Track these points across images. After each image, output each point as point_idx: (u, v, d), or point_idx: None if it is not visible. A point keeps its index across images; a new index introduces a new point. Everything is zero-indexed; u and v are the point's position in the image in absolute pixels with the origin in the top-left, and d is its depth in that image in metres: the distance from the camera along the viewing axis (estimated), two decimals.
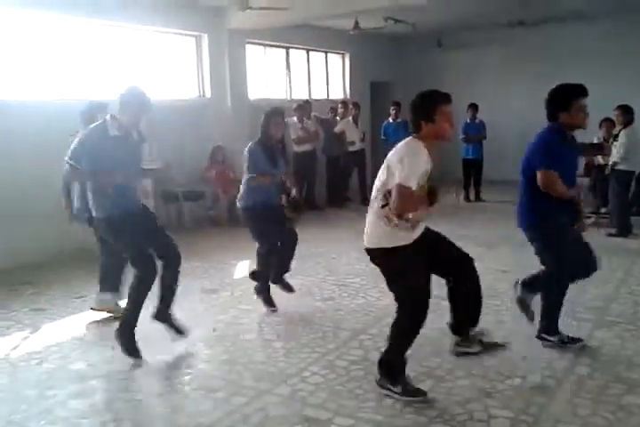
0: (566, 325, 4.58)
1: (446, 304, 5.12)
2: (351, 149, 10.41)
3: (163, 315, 4.33)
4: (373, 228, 3.44)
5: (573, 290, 5.38)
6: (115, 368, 4.00)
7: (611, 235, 7.58)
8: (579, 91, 3.87)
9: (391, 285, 3.49)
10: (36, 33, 7.00)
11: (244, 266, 6.67)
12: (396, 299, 3.49)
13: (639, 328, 4.52)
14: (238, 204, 5.01)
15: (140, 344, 4.17)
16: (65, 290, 5.80)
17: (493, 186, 11.20)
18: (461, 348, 3.94)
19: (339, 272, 6.25)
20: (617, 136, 7.59)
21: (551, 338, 4.16)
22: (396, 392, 3.43)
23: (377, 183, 3.41)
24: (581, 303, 5.09)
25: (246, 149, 4.90)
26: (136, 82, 5.39)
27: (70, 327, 4.82)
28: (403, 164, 3.19)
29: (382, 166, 3.38)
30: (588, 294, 5.33)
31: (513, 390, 3.57)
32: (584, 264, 4.01)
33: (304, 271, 6.26)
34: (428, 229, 3.69)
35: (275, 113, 4.83)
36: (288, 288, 5.23)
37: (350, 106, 10.59)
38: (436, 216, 9.57)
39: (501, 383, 3.65)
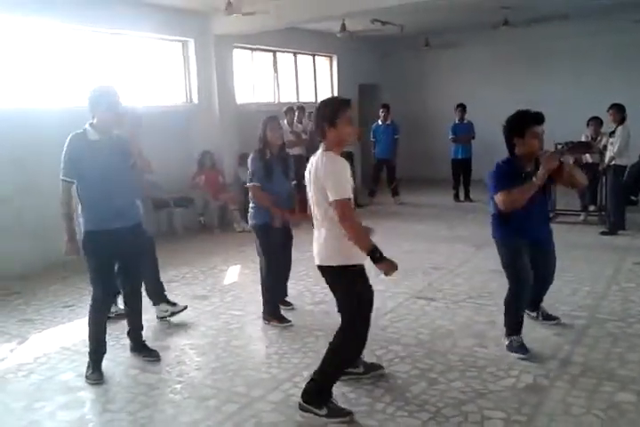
0: (559, 324, 4.58)
1: (435, 305, 5.15)
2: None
3: (136, 344, 4.31)
4: (328, 244, 3.36)
5: (565, 289, 5.42)
6: (104, 378, 3.95)
7: (603, 233, 7.61)
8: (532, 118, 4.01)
9: (342, 304, 3.45)
10: (22, 39, 6.94)
11: (235, 272, 6.63)
12: (343, 322, 3.43)
13: (630, 325, 4.52)
14: (250, 221, 4.96)
15: (130, 353, 4.15)
16: (53, 300, 5.75)
17: (482, 186, 11.18)
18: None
19: None
20: (612, 133, 7.71)
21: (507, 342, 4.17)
22: (321, 415, 3.29)
23: (313, 203, 3.39)
24: (573, 302, 5.09)
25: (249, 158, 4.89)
26: (103, 81, 5.29)
27: (59, 338, 4.76)
28: (331, 179, 3.21)
29: (308, 186, 3.40)
30: (580, 292, 5.34)
31: (506, 390, 3.56)
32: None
33: (295, 275, 6.20)
34: None
35: (270, 119, 4.81)
36: (287, 304, 5.23)
37: None
38: (427, 216, 9.66)
39: (494, 384, 3.64)
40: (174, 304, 5.07)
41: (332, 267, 3.35)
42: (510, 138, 4.05)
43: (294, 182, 5.05)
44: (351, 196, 3.29)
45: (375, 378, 3.77)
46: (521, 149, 3.96)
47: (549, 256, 4.34)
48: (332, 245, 3.34)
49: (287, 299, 5.29)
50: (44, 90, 7.19)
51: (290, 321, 4.85)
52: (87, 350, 4.03)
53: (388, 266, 3.29)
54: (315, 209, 3.40)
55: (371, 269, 3.40)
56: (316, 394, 3.34)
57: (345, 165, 3.28)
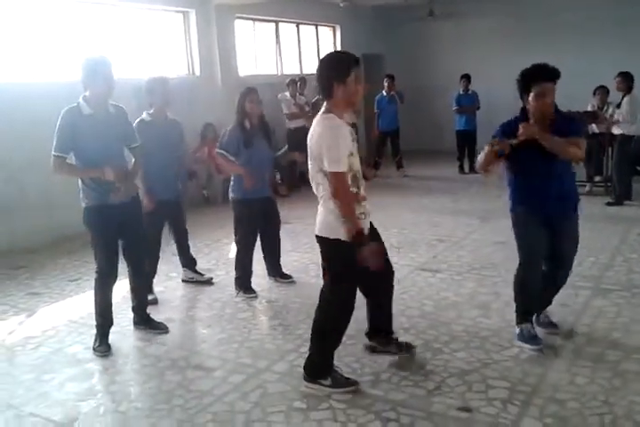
0: (564, 294, 4.58)
1: (440, 277, 5.15)
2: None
3: (140, 318, 4.33)
4: (323, 217, 3.23)
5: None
6: (112, 350, 3.99)
7: (609, 203, 7.58)
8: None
9: (330, 275, 3.34)
10: (23, 12, 6.84)
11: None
12: (323, 293, 3.38)
13: (635, 295, 4.52)
14: (230, 194, 4.95)
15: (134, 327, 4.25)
16: (60, 274, 5.78)
17: None
18: (379, 348, 3.76)
19: None
20: (619, 105, 7.58)
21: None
22: (325, 385, 3.31)
23: (310, 172, 3.22)
24: (578, 272, 5.07)
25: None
26: (96, 51, 5.22)
27: (66, 311, 4.80)
28: (327, 148, 3.02)
29: (309, 154, 3.19)
30: (585, 263, 5.33)
31: (510, 360, 3.58)
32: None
33: (299, 248, 6.24)
34: (374, 231, 3.47)
35: (248, 91, 4.77)
36: (286, 277, 5.25)
37: None
38: (431, 189, 9.61)
39: (498, 354, 3.66)
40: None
41: (327, 239, 3.21)
42: (520, 94, 3.57)
43: (279, 153, 5.05)
44: (346, 169, 3.06)
45: (397, 358, 3.70)
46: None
47: (563, 238, 3.73)
48: (325, 217, 3.21)
49: (287, 272, 5.31)
50: (44, 64, 7.10)
51: (254, 293, 4.92)
52: (94, 322, 4.06)
53: (369, 254, 3.07)
54: (312, 178, 3.23)
55: None
56: (316, 367, 3.36)
57: (345, 132, 3.08)
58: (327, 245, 3.25)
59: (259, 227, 4.99)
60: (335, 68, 3.06)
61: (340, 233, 3.12)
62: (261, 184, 4.84)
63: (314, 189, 3.26)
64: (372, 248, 3.11)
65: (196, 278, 5.32)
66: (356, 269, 3.18)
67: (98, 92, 3.77)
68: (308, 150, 3.18)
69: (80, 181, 3.89)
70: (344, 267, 3.23)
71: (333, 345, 3.41)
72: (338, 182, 3.04)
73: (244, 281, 4.98)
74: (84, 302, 4.94)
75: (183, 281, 5.34)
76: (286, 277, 5.25)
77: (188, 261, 5.34)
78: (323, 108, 3.16)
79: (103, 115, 3.84)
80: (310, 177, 3.25)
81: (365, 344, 3.80)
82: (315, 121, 3.18)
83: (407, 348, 3.70)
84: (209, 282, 5.29)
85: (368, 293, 3.63)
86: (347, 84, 3.04)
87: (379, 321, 3.73)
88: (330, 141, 3.02)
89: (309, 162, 3.21)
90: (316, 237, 3.31)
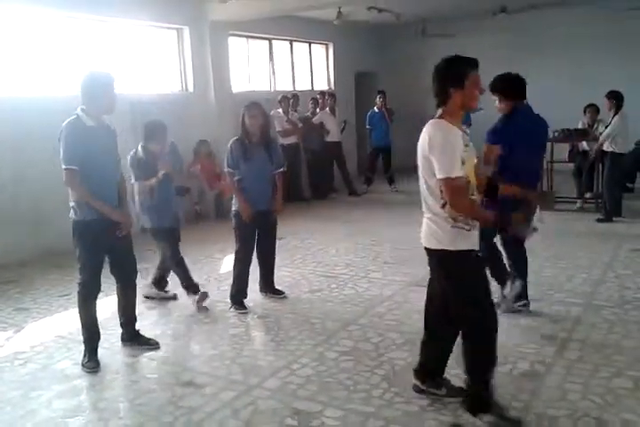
0: (555, 310, 4.59)
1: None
2: (329, 139, 10.33)
3: (130, 335, 4.28)
4: (432, 227, 3.03)
5: (561, 275, 5.43)
6: (100, 366, 3.94)
7: (599, 220, 7.61)
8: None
9: (453, 294, 3.09)
10: (16, 28, 6.86)
11: (230, 260, 6.60)
12: (456, 314, 3.10)
13: (626, 312, 4.52)
14: (232, 206, 4.96)
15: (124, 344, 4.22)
16: (49, 289, 5.73)
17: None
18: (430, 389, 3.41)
19: (327, 264, 6.22)
20: (610, 122, 7.67)
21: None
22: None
23: (420, 181, 3.02)
24: (570, 288, 5.09)
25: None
26: (98, 67, 5.21)
27: (55, 326, 4.75)
28: (438, 152, 2.85)
29: (418, 161, 3.00)
30: (575, 279, 5.34)
31: (503, 377, 3.55)
32: None
33: (292, 263, 6.23)
34: None
35: (250, 106, 4.77)
36: (278, 293, 5.22)
37: (326, 96, 10.53)
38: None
39: None
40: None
41: (437, 251, 3.02)
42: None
43: (281, 170, 5.02)
44: (461, 175, 2.83)
45: (390, 374, 3.65)
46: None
47: None
48: (432, 228, 3.02)
49: (279, 288, 5.29)
50: (38, 78, 7.11)
51: (245, 309, 4.91)
52: (82, 338, 4.02)
53: (518, 219, 3.05)
54: (421, 186, 3.02)
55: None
56: (481, 401, 3.08)
57: (458, 138, 2.88)
58: (439, 258, 3.06)
59: (256, 240, 4.98)
60: (451, 72, 2.92)
61: (449, 243, 2.95)
62: (260, 198, 4.85)
63: (422, 197, 3.04)
64: (517, 215, 3.05)
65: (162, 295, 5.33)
66: (480, 279, 3.04)
67: (100, 106, 3.78)
68: (419, 161, 3.00)
69: (74, 197, 3.84)
70: (468, 278, 3.02)
71: (492, 367, 3.09)
72: (454, 189, 2.83)
73: (237, 296, 4.96)
74: (72, 317, 4.87)
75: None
76: (278, 292, 5.23)
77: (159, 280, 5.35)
78: (438, 114, 3.03)
79: (104, 128, 3.88)
80: (420, 183, 3.03)
81: (413, 383, 3.44)
82: (424, 129, 3.01)
83: (459, 392, 3.32)
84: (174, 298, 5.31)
85: (434, 331, 3.37)
86: (464, 88, 2.89)
87: (434, 363, 3.41)
88: (442, 148, 2.85)
89: (420, 172, 3.01)
90: (426, 249, 3.13)
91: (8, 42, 6.81)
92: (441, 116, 2.98)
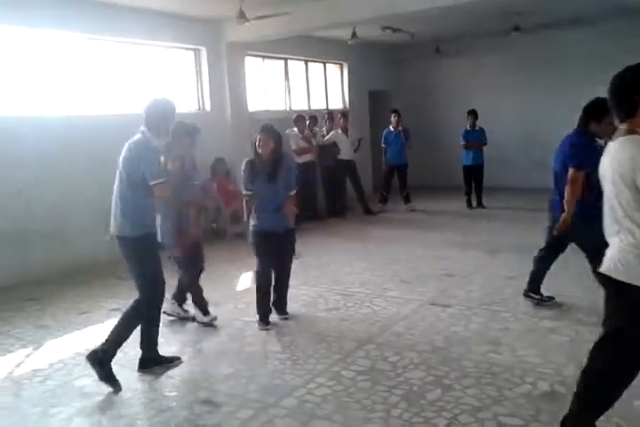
0: (571, 330, 4.55)
1: (450, 311, 5.11)
2: (341, 157, 10.36)
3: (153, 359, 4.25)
4: (623, 255, 2.60)
5: (579, 292, 5.39)
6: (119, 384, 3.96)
7: None
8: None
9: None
10: (37, 50, 7.02)
11: (247, 278, 6.64)
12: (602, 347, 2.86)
13: None
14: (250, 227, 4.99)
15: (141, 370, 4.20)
16: (69, 306, 5.78)
17: (495, 192, 11.19)
18: None
19: (343, 282, 6.22)
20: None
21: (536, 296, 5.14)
22: None
23: (615, 205, 2.63)
24: (589, 306, 5.04)
25: None
26: (160, 93, 5.43)
27: (74, 344, 4.78)
28: None
29: (607, 184, 2.67)
30: (596, 298, 5.27)
31: (523, 397, 3.53)
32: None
33: (308, 282, 6.23)
34: None
35: (261, 131, 4.79)
36: (282, 313, 5.18)
37: (339, 115, 10.61)
38: (439, 223, 9.61)
39: (510, 391, 3.61)
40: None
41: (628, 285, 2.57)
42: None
43: (293, 192, 4.98)
44: None
45: (408, 394, 3.63)
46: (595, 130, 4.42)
47: None
48: (629, 257, 2.57)
49: (296, 305, 5.29)
50: (56, 98, 7.24)
51: (268, 326, 4.93)
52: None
53: None
54: (615, 208, 2.63)
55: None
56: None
57: None
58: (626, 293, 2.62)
59: (273, 259, 5.00)
60: (636, 80, 2.60)
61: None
62: (273, 220, 4.86)
63: (615, 219, 2.65)
64: None
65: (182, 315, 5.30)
66: None
67: (165, 130, 4.01)
68: (603, 176, 2.71)
69: (141, 207, 3.93)
70: None
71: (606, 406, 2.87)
72: None
73: (262, 311, 5.00)
74: (92, 334, 4.93)
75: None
76: (283, 313, 5.18)
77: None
78: (621, 131, 2.69)
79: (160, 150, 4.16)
80: (609, 208, 2.68)
81: None
82: (613, 147, 2.66)
83: None
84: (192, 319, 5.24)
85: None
86: None
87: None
88: None
89: (609, 190, 2.67)
90: (606, 278, 2.70)
91: (28, 62, 6.94)
92: (632, 131, 2.61)
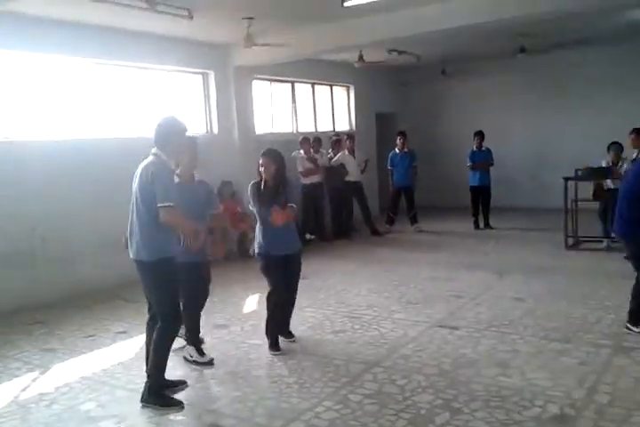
0: (583, 352, 4.50)
1: (458, 334, 5.07)
2: (348, 179, 10.41)
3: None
4: None
5: (590, 316, 5.34)
6: (125, 409, 3.94)
7: (627, 258, 7.49)
8: None
9: None
10: (45, 74, 7.12)
11: (254, 300, 6.63)
12: None
13: None
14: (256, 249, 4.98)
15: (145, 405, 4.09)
16: (75, 330, 5.77)
17: (502, 213, 11.16)
18: None
19: (350, 304, 6.19)
20: (634, 160, 7.59)
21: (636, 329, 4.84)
22: None
23: None
24: (598, 330, 5.00)
25: None
26: (167, 113, 5.44)
27: (80, 367, 4.76)
28: None
29: None
30: (604, 320, 5.24)
31: (532, 420, 3.48)
32: None
33: (314, 304, 6.21)
34: None
35: (263, 153, 4.86)
36: (289, 336, 5.14)
37: (345, 137, 10.67)
38: (447, 244, 9.58)
39: (520, 414, 3.56)
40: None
41: None
42: None
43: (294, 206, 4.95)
44: None
45: (416, 418, 3.60)
46: None
47: None
48: None
49: (302, 328, 5.24)
50: (64, 122, 7.31)
51: (279, 351, 4.85)
52: (108, 379, 4.03)
53: None
54: None
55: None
56: None
57: None
58: None
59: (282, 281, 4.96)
60: None
61: None
62: (279, 242, 4.84)
63: None
64: None
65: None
66: None
67: (175, 150, 4.03)
68: None
69: (157, 231, 3.86)
70: None
71: None
72: None
73: (273, 335, 4.95)
74: (97, 358, 4.92)
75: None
76: (289, 336, 5.14)
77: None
78: None
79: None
80: None
81: None
82: None
83: None
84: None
85: None
86: None
87: None
88: None
89: None
90: None
91: (33, 88, 7.02)
92: None
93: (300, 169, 9.69)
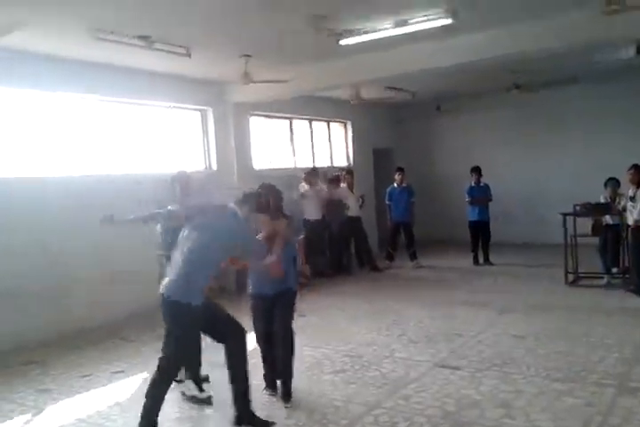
0: (588, 393, 4.42)
1: (460, 374, 4.97)
2: (348, 214, 10.46)
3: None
4: None
5: (593, 355, 5.26)
6: None
7: (629, 290, 7.49)
8: None
9: None
10: (42, 111, 7.17)
11: (252, 338, 6.52)
12: None
13: None
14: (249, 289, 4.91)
15: None
16: (70, 369, 5.65)
17: (501, 249, 11.12)
18: None
19: (349, 342, 6.10)
20: (633, 198, 7.58)
21: None
22: None
23: None
24: (602, 369, 4.92)
25: None
26: (179, 169, 5.70)
27: (75, 409, 4.65)
28: None
29: None
30: (608, 359, 5.16)
31: None
32: None
33: (313, 342, 6.11)
34: None
35: (259, 187, 4.98)
36: (271, 387, 4.85)
37: (343, 172, 10.75)
38: (446, 280, 9.50)
39: None
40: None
41: None
42: None
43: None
44: None
45: None
46: None
47: None
48: None
49: (302, 368, 5.12)
50: (64, 159, 7.33)
51: (275, 392, 4.73)
52: (103, 422, 3.93)
53: None
54: None
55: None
56: None
57: None
58: None
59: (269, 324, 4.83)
60: None
61: None
62: (267, 280, 4.72)
63: None
64: None
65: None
66: None
67: (186, 200, 4.53)
68: None
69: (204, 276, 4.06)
70: None
71: None
72: None
73: (266, 382, 4.83)
74: (93, 399, 4.81)
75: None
76: (272, 387, 4.84)
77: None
78: None
79: None
80: None
81: None
82: None
83: None
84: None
85: None
86: None
87: None
88: None
89: None
90: None
91: (32, 125, 7.05)
92: None
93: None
